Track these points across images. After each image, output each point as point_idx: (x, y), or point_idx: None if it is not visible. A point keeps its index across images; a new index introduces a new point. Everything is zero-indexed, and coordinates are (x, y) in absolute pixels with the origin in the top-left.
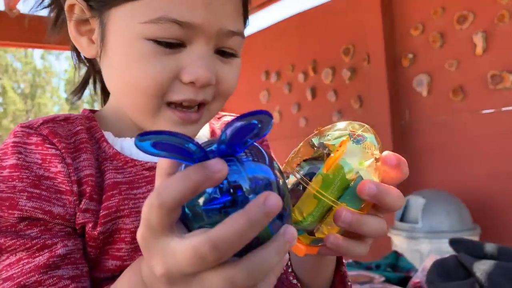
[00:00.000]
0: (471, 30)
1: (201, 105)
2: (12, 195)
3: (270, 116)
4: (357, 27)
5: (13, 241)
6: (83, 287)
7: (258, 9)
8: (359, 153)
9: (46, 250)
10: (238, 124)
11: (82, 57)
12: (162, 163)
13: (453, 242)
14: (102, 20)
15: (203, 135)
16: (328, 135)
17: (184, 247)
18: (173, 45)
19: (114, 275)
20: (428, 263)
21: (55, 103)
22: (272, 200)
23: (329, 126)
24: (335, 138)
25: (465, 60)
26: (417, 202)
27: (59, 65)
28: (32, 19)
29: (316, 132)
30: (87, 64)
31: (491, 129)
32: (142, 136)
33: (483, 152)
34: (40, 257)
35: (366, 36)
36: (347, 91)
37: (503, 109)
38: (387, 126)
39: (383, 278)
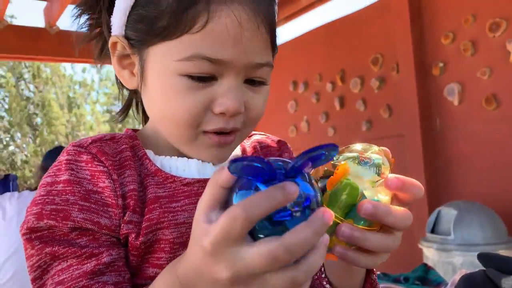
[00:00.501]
0: (504, 38)
1: (233, 129)
2: (65, 207)
3: (336, 147)
4: (386, 36)
5: (65, 249)
6: None
7: (286, 21)
8: (366, 174)
9: (94, 258)
10: (309, 155)
11: (122, 84)
12: (221, 176)
13: (481, 257)
14: (142, 56)
15: (235, 153)
16: (341, 156)
17: (259, 251)
18: (205, 79)
19: None
20: (457, 277)
21: (93, 113)
22: (328, 214)
23: (349, 146)
24: (345, 159)
25: (498, 68)
26: (448, 213)
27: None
28: (73, 35)
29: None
30: (129, 90)
31: None
32: (234, 162)
33: None
34: (88, 264)
35: (395, 45)
36: (376, 100)
37: None
38: (418, 135)
39: None
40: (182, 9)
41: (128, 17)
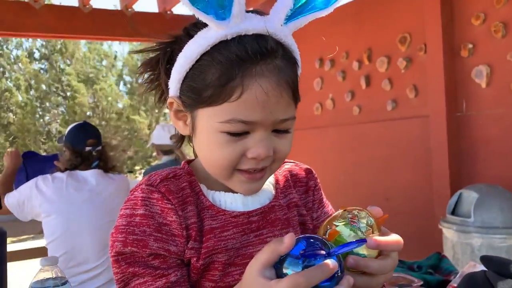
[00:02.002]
0: None
1: (262, 168)
2: (144, 237)
3: (364, 241)
4: (415, 16)
5: (143, 270)
6: None
7: None
8: (353, 234)
9: (164, 278)
10: (347, 248)
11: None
12: (282, 247)
13: (484, 259)
14: (192, 114)
15: (269, 181)
16: (337, 220)
17: (288, 279)
18: (240, 134)
19: None
20: (467, 269)
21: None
22: (351, 279)
23: (345, 210)
24: (338, 223)
25: None
26: (470, 196)
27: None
28: (102, 13)
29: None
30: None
31: None
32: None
33: None
34: (160, 281)
35: (423, 25)
36: (402, 80)
37: None
38: (443, 117)
39: (421, 282)
40: (223, 84)
41: (181, 85)
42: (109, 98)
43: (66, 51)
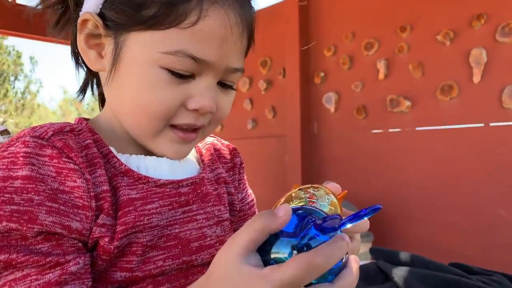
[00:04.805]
0: (376, 57)
1: (200, 126)
2: (30, 208)
3: (379, 208)
4: (275, 42)
5: (25, 258)
6: None
7: None
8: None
9: (58, 268)
10: (359, 218)
11: (80, 61)
12: (275, 224)
13: (373, 251)
14: (118, 40)
15: (191, 153)
16: (293, 201)
17: (297, 263)
18: (184, 76)
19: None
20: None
21: None
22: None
23: (301, 188)
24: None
25: (369, 83)
26: None
27: None
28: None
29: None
30: (85, 69)
31: (387, 146)
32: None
33: (379, 165)
34: (51, 274)
35: (283, 51)
36: (262, 101)
37: (395, 130)
38: (298, 136)
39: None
40: (174, 2)
41: None
42: None
43: None
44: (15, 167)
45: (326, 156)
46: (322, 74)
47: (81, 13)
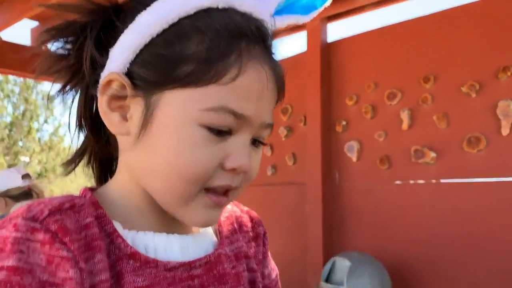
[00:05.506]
0: (399, 107)
1: (227, 189)
2: None
3: None
4: (297, 90)
5: None
6: None
7: None
8: None
9: None
10: None
11: (83, 123)
12: None
13: None
14: (149, 100)
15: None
16: None
17: None
18: (222, 133)
19: None
20: None
21: None
22: None
23: None
24: None
25: (392, 133)
26: (343, 264)
27: None
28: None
29: None
30: (87, 133)
31: (412, 198)
32: None
33: (404, 218)
34: None
35: (305, 99)
36: (282, 148)
37: (420, 181)
38: (319, 185)
39: None
40: (214, 58)
41: (137, 55)
42: None
43: None
44: (2, 254)
45: (348, 206)
46: (344, 122)
47: (102, 73)
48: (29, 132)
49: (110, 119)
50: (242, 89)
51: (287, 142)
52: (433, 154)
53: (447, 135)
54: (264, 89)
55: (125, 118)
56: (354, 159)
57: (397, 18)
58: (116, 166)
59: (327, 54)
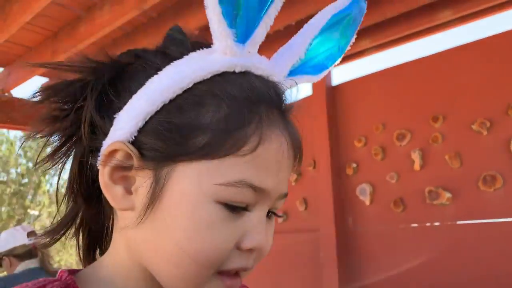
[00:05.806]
0: (409, 148)
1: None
2: None
3: None
4: (304, 133)
5: None
6: None
7: None
8: None
9: None
10: None
11: (75, 190)
12: None
13: None
14: (159, 173)
15: None
16: None
17: None
18: (238, 210)
19: None
20: None
21: None
22: None
23: None
24: None
25: (405, 174)
26: None
27: None
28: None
29: None
30: (79, 200)
31: (428, 241)
32: None
33: (421, 263)
34: None
35: (312, 143)
36: (292, 193)
37: (436, 223)
38: (332, 231)
39: None
40: (232, 127)
41: (146, 123)
42: None
43: None
44: None
45: (364, 252)
46: (354, 165)
47: (105, 141)
48: (39, 185)
49: (113, 193)
50: (262, 160)
51: (297, 187)
52: (448, 195)
53: (461, 175)
54: (284, 158)
55: (128, 191)
56: (367, 202)
57: (401, 59)
58: (107, 238)
59: (333, 97)
